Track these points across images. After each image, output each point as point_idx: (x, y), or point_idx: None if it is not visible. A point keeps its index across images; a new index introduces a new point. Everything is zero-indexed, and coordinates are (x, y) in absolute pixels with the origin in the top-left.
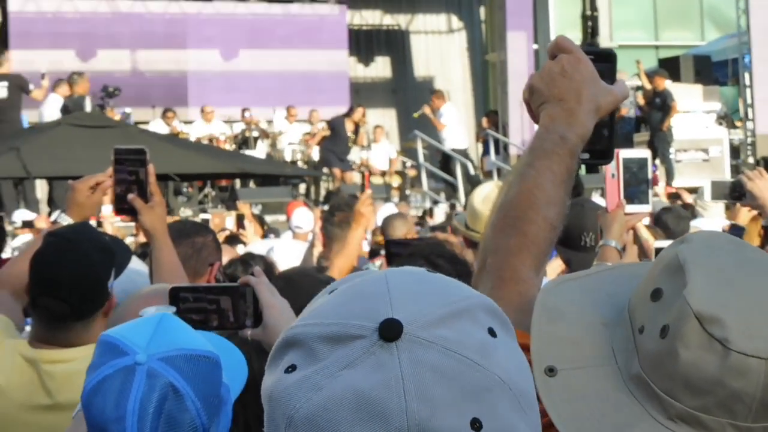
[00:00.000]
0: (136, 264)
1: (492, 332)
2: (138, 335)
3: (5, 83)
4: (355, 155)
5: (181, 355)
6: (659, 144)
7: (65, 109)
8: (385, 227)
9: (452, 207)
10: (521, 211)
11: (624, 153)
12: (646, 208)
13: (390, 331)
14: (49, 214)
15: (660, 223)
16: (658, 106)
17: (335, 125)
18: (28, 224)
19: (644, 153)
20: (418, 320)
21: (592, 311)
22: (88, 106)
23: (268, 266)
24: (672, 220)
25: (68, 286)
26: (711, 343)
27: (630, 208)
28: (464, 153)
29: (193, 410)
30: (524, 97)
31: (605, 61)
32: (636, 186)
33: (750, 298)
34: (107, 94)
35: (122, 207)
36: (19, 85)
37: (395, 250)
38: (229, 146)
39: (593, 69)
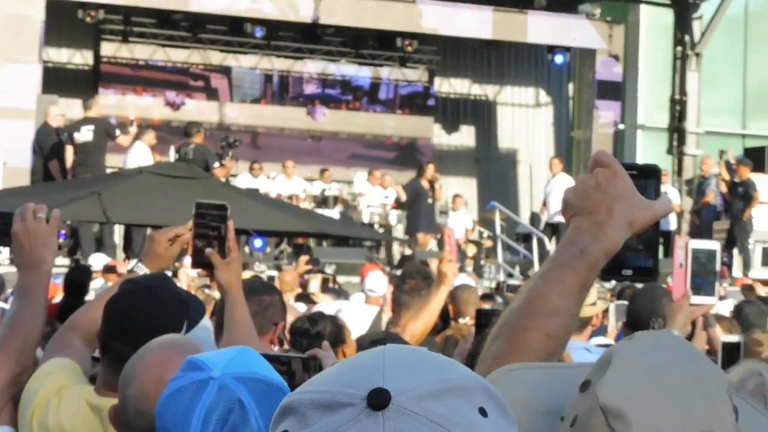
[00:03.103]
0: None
1: (483, 412)
2: (219, 357)
3: (92, 127)
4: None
5: (253, 378)
6: (739, 233)
7: (184, 157)
8: (454, 298)
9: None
10: (516, 320)
11: (693, 243)
12: (711, 300)
13: (378, 399)
14: (126, 260)
15: (740, 316)
16: (741, 195)
17: (413, 188)
18: (109, 269)
19: (714, 245)
20: (408, 392)
21: (538, 399)
22: (214, 157)
23: (337, 327)
24: (753, 313)
25: (140, 333)
26: None
27: (696, 299)
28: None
29: (256, 428)
30: (561, 211)
31: (648, 177)
32: (704, 277)
33: (663, 400)
34: (228, 144)
35: (200, 261)
36: (105, 129)
37: (484, 321)
38: (308, 204)
39: (631, 184)
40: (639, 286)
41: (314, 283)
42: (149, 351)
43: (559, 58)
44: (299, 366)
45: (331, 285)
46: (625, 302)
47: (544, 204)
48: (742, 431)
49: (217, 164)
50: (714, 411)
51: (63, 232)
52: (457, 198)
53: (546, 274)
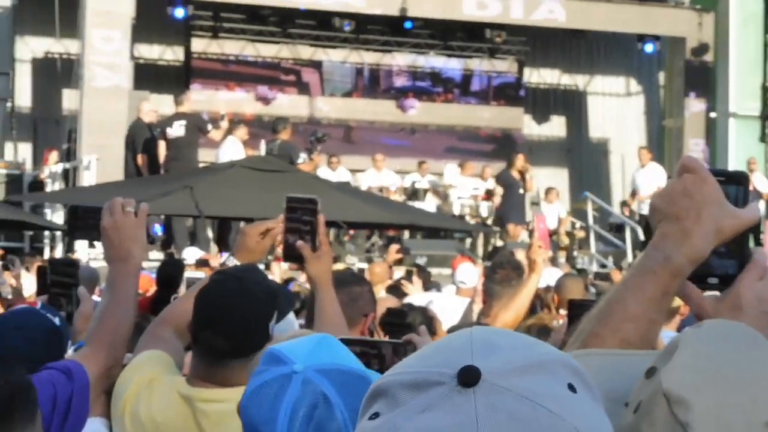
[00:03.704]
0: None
1: (572, 387)
2: (300, 348)
3: (183, 122)
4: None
5: (335, 369)
6: None
7: (270, 153)
8: (559, 287)
9: (620, 271)
10: (591, 325)
11: None
12: None
13: (468, 376)
14: (219, 253)
15: None
16: None
17: (504, 179)
18: (202, 263)
19: None
20: (498, 369)
21: (606, 386)
22: (302, 153)
23: (428, 318)
24: None
25: (231, 323)
26: (674, 426)
27: None
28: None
29: (341, 420)
30: (648, 215)
31: (736, 184)
32: None
33: (728, 389)
34: (317, 139)
35: (291, 255)
36: (197, 124)
37: (577, 312)
38: (399, 197)
39: (719, 190)
40: None
41: (398, 275)
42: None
43: (649, 47)
44: (389, 350)
45: (415, 277)
46: (717, 293)
47: (633, 195)
48: None
49: (302, 159)
50: None
51: (160, 224)
52: (551, 190)
53: (628, 280)
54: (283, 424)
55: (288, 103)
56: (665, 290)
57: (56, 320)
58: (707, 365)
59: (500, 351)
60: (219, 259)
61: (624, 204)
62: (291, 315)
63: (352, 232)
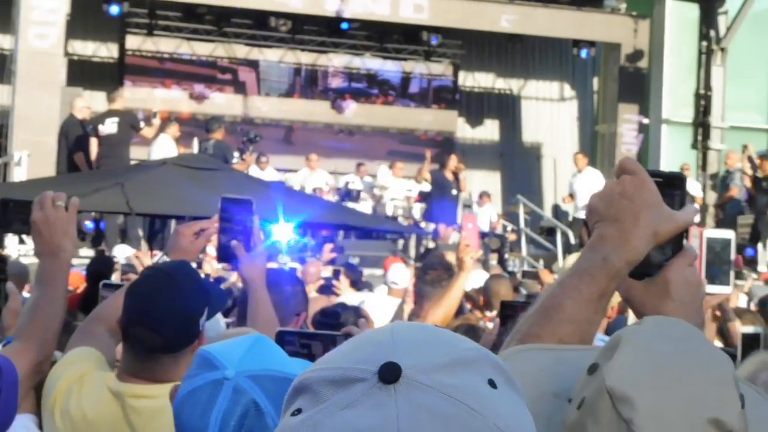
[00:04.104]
0: None
1: (492, 383)
2: (232, 352)
3: (116, 119)
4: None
5: (268, 376)
6: (763, 228)
7: (204, 152)
8: (486, 288)
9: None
10: (528, 327)
11: (708, 233)
12: (726, 290)
13: (389, 373)
14: (150, 252)
15: (765, 309)
16: (765, 189)
17: (436, 178)
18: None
19: (728, 234)
20: (419, 365)
21: (547, 380)
22: (234, 153)
23: (360, 318)
24: None
25: (161, 318)
26: (618, 423)
27: (710, 289)
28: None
29: (272, 428)
30: (585, 216)
31: (674, 187)
32: (718, 266)
33: (670, 385)
34: (249, 139)
35: (225, 255)
36: (129, 122)
37: (509, 313)
38: (332, 197)
39: (657, 193)
40: None
41: (324, 274)
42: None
43: (584, 53)
44: (320, 348)
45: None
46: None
47: (571, 196)
48: (748, 418)
49: (236, 159)
50: (720, 397)
51: (91, 221)
52: (484, 196)
53: (564, 281)
54: None
55: (224, 102)
56: (603, 292)
57: None
58: (649, 362)
59: (422, 347)
60: (150, 257)
61: (557, 208)
62: (218, 314)
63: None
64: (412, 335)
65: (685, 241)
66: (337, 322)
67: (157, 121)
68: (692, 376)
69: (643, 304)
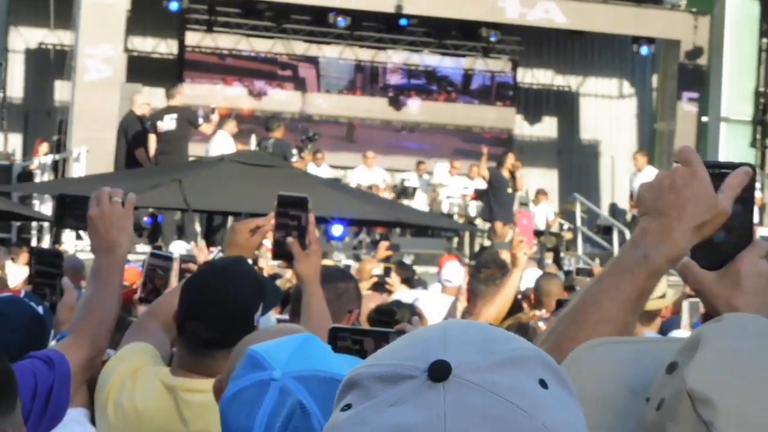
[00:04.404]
0: None
1: (543, 383)
2: (279, 352)
3: (174, 116)
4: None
5: (315, 376)
6: None
7: (264, 150)
8: (536, 288)
9: None
10: (565, 326)
11: (762, 231)
12: None
13: (438, 371)
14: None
15: None
16: None
17: (493, 175)
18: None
19: None
20: (469, 364)
21: (624, 376)
22: (293, 151)
23: (416, 315)
24: None
25: (216, 313)
26: (698, 425)
27: None
28: None
29: (318, 430)
30: (633, 205)
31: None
32: None
33: (752, 387)
34: (308, 138)
35: (280, 252)
36: (188, 118)
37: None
38: (388, 194)
39: (708, 185)
40: None
41: (375, 272)
42: (256, 332)
43: (643, 49)
44: (371, 344)
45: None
46: (698, 300)
47: (631, 196)
48: None
49: (295, 158)
50: None
51: (148, 217)
52: (540, 194)
53: (604, 278)
54: None
55: (284, 99)
56: (641, 291)
57: (40, 309)
58: (731, 363)
59: (473, 345)
60: (206, 252)
61: (614, 206)
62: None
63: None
64: (464, 333)
65: (757, 237)
66: (392, 320)
67: (215, 118)
68: None
69: (714, 295)
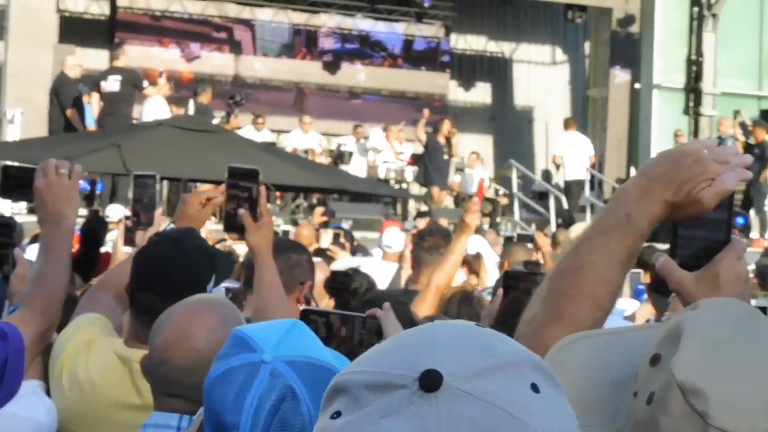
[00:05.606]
0: None
1: (535, 387)
2: (269, 335)
3: (118, 77)
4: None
5: (305, 362)
6: (755, 195)
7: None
8: (508, 253)
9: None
10: (565, 286)
11: None
12: None
13: (430, 382)
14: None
15: (765, 278)
16: (757, 156)
17: (430, 140)
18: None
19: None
20: (460, 372)
21: (603, 370)
22: (221, 114)
23: (370, 284)
24: None
25: (167, 283)
26: (692, 416)
27: None
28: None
29: (307, 416)
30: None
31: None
32: None
33: (740, 373)
34: (235, 102)
35: (231, 224)
36: (132, 81)
37: (512, 283)
38: (325, 159)
39: (711, 172)
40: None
41: (325, 238)
42: (179, 305)
43: (577, 18)
44: (357, 324)
45: (342, 240)
46: (639, 271)
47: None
48: None
49: (219, 120)
50: None
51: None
52: (473, 155)
53: (594, 237)
54: (248, 416)
55: (221, 62)
56: (630, 251)
57: None
58: (715, 351)
59: (463, 350)
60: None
61: (548, 172)
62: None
63: (278, 195)
64: (452, 337)
65: (733, 236)
66: (349, 287)
67: (163, 81)
68: (760, 359)
69: (694, 296)
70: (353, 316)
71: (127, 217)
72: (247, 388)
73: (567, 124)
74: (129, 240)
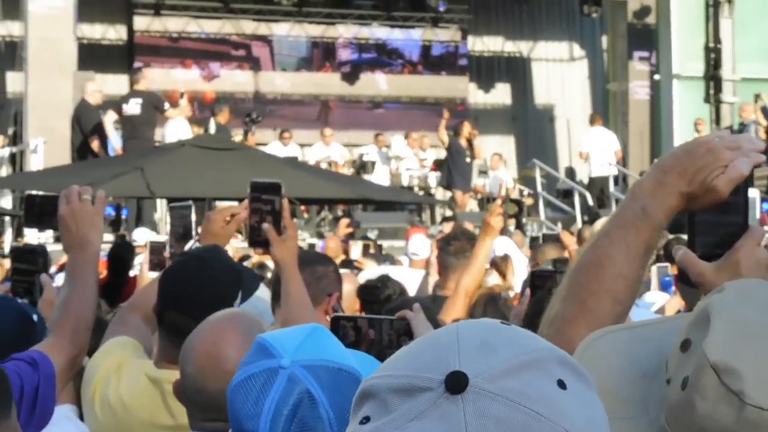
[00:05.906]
0: (260, 291)
1: (561, 384)
2: (289, 340)
3: (139, 100)
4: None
5: (323, 366)
6: None
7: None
8: (542, 253)
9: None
10: (585, 281)
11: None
12: None
13: (455, 383)
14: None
15: None
16: None
17: (452, 144)
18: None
19: (752, 192)
20: (485, 372)
21: (632, 363)
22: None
23: (402, 291)
24: None
25: (194, 301)
26: (727, 396)
27: None
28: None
29: (326, 420)
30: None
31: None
32: None
33: None
34: (251, 120)
35: (256, 239)
36: (154, 103)
37: (539, 283)
38: (347, 170)
39: (720, 161)
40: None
41: (355, 250)
42: (204, 326)
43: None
44: (388, 326)
45: (371, 251)
46: (666, 264)
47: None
48: None
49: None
50: None
51: (110, 206)
52: (495, 156)
53: (610, 232)
54: (266, 421)
55: (241, 80)
56: (647, 245)
57: (34, 317)
58: (745, 331)
59: (487, 350)
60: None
61: (572, 169)
62: (264, 291)
63: (303, 208)
64: (477, 337)
65: (752, 223)
66: (380, 297)
67: (184, 102)
68: None
69: (717, 286)
70: (381, 318)
71: (163, 247)
72: (265, 393)
73: (592, 120)
74: (154, 265)
